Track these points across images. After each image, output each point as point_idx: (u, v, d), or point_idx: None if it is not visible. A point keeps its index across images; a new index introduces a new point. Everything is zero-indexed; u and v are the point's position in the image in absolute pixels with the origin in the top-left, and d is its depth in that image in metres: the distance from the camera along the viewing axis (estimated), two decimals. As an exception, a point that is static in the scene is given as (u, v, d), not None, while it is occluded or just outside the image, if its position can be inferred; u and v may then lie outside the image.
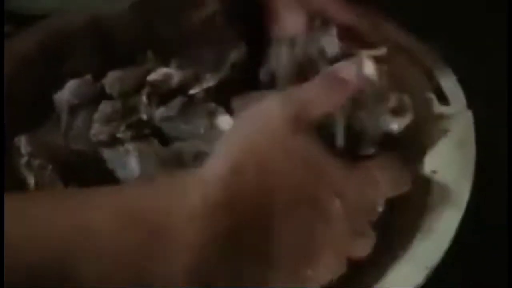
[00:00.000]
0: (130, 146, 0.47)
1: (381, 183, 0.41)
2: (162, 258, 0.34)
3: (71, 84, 0.51)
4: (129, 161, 0.47)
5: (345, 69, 0.43)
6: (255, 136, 0.39)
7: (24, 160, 0.46)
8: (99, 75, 0.52)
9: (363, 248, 0.40)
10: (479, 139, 0.47)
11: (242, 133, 0.39)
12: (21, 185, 0.46)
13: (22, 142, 0.47)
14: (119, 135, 0.47)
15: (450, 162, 0.46)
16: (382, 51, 0.47)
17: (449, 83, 0.51)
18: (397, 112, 0.44)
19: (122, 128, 0.47)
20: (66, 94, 0.50)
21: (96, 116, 0.48)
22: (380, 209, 0.41)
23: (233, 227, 0.36)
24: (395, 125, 0.44)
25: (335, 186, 0.39)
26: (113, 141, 0.48)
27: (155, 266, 0.34)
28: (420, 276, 0.41)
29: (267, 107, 0.40)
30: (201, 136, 0.47)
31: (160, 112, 0.48)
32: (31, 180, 0.46)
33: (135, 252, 0.33)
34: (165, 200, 0.36)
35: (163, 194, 0.36)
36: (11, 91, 0.51)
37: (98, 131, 0.48)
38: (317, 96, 0.42)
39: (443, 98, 0.50)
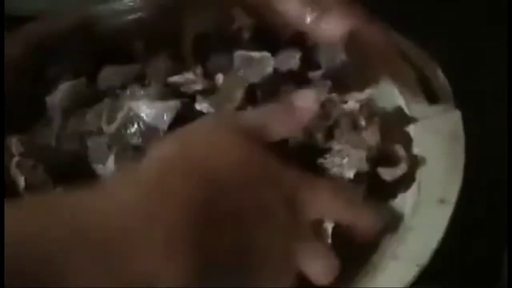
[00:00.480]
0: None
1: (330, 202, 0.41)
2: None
3: (64, 87, 0.51)
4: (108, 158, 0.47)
5: (303, 97, 0.43)
6: (191, 141, 0.39)
7: (15, 160, 0.46)
8: (94, 77, 0.53)
9: (322, 271, 0.39)
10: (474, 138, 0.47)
11: (176, 138, 0.40)
12: (12, 186, 0.46)
13: (13, 143, 0.47)
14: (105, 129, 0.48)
15: (439, 159, 0.46)
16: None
17: (439, 81, 0.51)
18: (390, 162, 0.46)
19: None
20: (59, 96, 0.51)
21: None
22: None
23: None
24: (388, 176, 0.46)
25: (283, 193, 0.38)
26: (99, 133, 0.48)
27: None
28: (410, 274, 0.41)
29: (215, 121, 0.42)
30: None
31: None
32: (21, 181, 0.46)
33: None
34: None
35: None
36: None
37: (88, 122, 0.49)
38: (272, 122, 0.42)
39: (432, 97, 0.50)
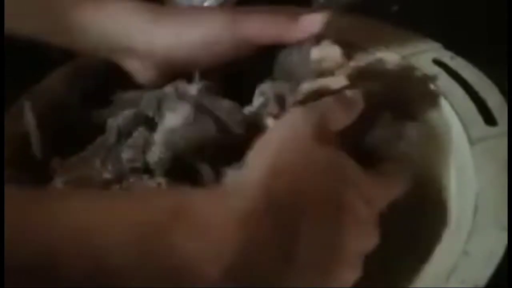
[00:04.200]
0: (162, 180, 0.47)
1: (391, 188, 0.45)
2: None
3: (128, 113, 0.51)
4: None
5: (353, 93, 0.48)
6: (284, 150, 0.41)
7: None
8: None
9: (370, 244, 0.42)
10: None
11: (272, 147, 0.42)
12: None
13: (57, 169, 0.48)
14: (153, 166, 0.48)
15: (496, 183, 0.46)
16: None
17: (496, 102, 0.50)
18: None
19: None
20: (120, 120, 0.51)
21: (131, 141, 0.49)
22: None
23: (268, 231, 0.37)
24: None
25: (361, 192, 0.42)
26: (146, 171, 0.48)
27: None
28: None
29: (292, 121, 0.44)
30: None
31: None
32: None
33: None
34: (204, 206, 0.37)
35: (201, 201, 0.37)
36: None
37: (131, 157, 0.48)
38: (334, 112, 0.46)
39: (490, 118, 0.49)
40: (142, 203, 0.36)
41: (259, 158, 0.41)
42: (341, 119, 0.46)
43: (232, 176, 0.46)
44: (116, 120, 0.51)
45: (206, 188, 0.43)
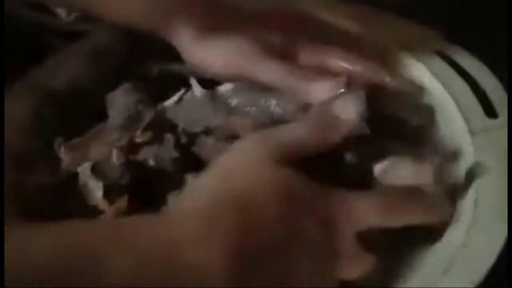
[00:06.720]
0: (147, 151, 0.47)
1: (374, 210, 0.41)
2: None
3: (127, 86, 0.51)
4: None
5: (341, 107, 0.43)
6: (231, 176, 0.39)
7: (87, 165, 0.46)
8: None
9: (354, 269, 0.40)
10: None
11: (218, 171, 0.40)
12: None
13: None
14: (138, 140, 0.47)
15: (496, 175, 0.45)
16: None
17: (497, 94, 0.50)
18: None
19: (139, 132, 0.47)
20: (121, 93, 0.50)
21: (109, 124, 0.49)
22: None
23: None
24: None
25: (317, 218, 0.39)
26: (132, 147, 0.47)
27: None
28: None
29: (246, 146, 0.41)
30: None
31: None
32: (98, 188, 0.45)
33: None
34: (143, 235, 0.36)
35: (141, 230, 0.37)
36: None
37: (116, 137, 0.47)
38: (305, 138, 0.42)
39: (490, 110, 0.49)
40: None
41: (202, 184, 0.40)
42: (315, 144, 0.42)
43: (173, 202, 0.44)
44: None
45: (147, 217, 0.39)
